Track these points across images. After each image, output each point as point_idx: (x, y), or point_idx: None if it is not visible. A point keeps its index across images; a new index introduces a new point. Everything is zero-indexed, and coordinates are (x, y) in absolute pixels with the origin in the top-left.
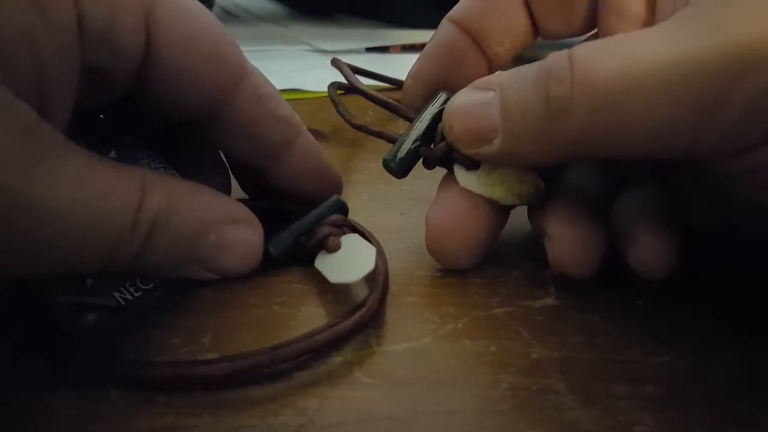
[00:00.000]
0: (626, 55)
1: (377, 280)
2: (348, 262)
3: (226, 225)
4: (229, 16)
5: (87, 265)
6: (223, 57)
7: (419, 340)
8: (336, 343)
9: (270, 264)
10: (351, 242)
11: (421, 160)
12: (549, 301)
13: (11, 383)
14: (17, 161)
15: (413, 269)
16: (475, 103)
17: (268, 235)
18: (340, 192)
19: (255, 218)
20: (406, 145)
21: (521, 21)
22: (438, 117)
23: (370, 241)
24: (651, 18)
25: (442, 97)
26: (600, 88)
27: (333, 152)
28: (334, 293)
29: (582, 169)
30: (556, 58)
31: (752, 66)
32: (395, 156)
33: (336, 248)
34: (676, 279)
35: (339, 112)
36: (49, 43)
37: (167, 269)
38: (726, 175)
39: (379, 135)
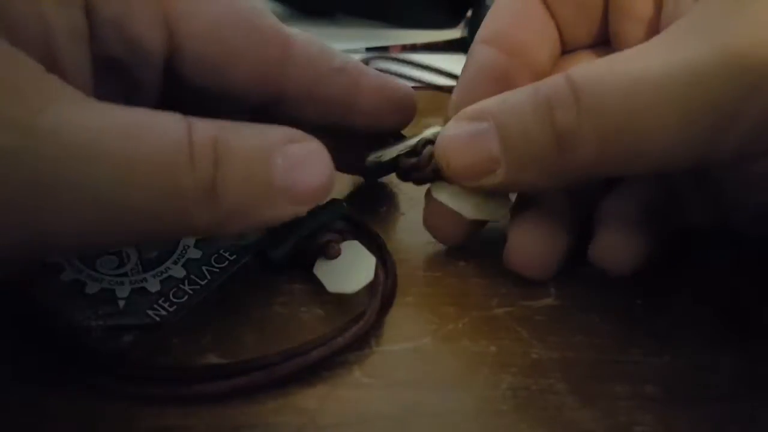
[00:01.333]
0: (632, 76)
1: (376, 290)
2: (347, 271)
3: (289, 145)
4: None
5: (160, 218)
6: (261, 31)
7: (419, 340)
8: (331, 357)
9: (270, 268)
10: (351, 250)
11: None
12: (549, 301)
13: (11, 384)
14: (29, 97)
15: (413, 269)
16: (470, 134)
17: (269, 240)
18: (413, 109)
19: (310, 135)
20: (391, 153)
21: (552, 31)
22: (429, 138)
23: (381, 248)
24: (658, 18)
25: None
26: (609, 113)
27: None
28: (334, 294)
29: None
30: (554, 83)
31: (762, 77)
32: (378, 159)
33: (336, 255)
34: (676, 279)
35: None
36: (58, 18)
37: (256, 213)
38: (734, 180)
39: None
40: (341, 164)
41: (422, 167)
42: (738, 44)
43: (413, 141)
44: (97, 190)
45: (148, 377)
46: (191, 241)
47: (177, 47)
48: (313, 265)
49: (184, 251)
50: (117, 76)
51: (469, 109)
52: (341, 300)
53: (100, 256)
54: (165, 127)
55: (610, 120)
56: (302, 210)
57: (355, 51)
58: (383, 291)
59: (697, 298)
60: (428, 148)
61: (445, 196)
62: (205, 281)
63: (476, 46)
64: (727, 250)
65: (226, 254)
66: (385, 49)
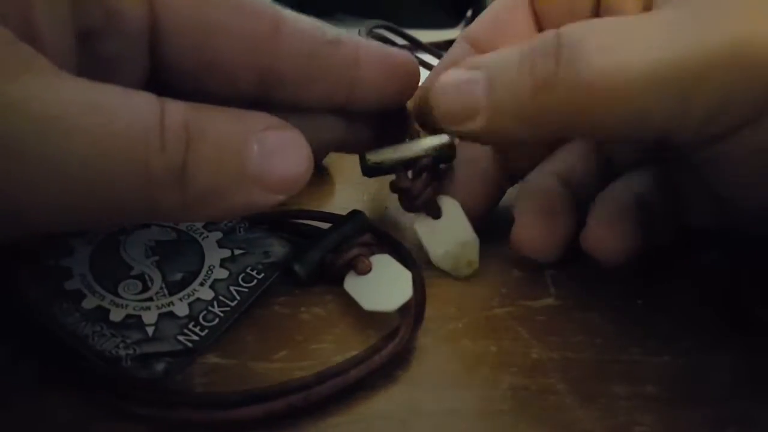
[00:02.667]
0: (613, 37)
1: (409, 305)
2: (381, 287)
3: (266, 131)
4: None
5: (123, 199)
6: (248, 5)
7: (419, 340)
8: (369, 377)
9: (298, 284)
10: (383, 264)
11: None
12: (549, 301)
13: (11, 385)
14: None
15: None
16: (461, 80)
17: (294, 255)
18: (417, 76)
19: (289, 124)
20: (389, 159)
21: (531, 35)
22: (431, 154)
23: (408, 261)
24: None
25: (444, 136)
26: (586, 69)
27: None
28: (335, 294)
29: (575, 159)
30: (545, 35)
31: (727, 62)
32: (377, 163)
33: (366, 270)
34: (677, 279)
35: None
36: None
37: (226, 201)
38: (716, 176)
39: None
40: (351, 146)
41: (414, 195)
42: (706, 30)
43: (413, 150)
44: (65, 165)
45: (184, 403)
46: (217, 261)
47: (159, 22)
48: (341, 279)
49: (210, 272)
50: (99, 52)
51: (470, 58)
52: (342, 301)
53: (123, 281)
54: (137, 107)
55: (585, 75)
56: (276, 200)
57: None
58: (416, 305)
59: (697, 298)
60: (422, 178)
61: (423, 230)
62: (235, 302)
63: (458, 40)
64: (727, 250)
65: (254, 272)
66: None
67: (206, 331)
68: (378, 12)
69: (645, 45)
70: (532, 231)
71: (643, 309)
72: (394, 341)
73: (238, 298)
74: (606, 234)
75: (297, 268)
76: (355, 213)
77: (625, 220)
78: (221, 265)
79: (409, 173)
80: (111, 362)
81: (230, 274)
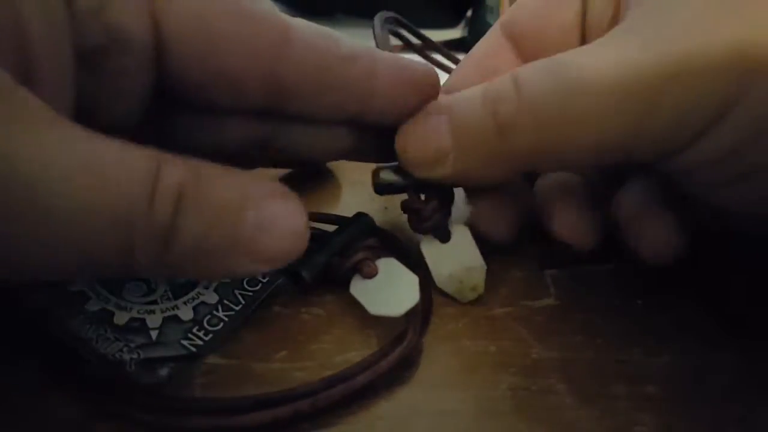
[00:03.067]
0: (568, 71)
1: (416, 309)
2: (387, 291)
3: (266, 199)
4: None
5: (101, 256)
6: (254, 16)
7: (419, 340)
8: (376, 382)
9: (302, 288)
10: (389, 268)
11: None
12: (549, 301)
13: (11, 384)
14: None
15: (412, 269)
16: (426, 126)
17: (299, 259)
18: (436, 86)
19: (294, 194)
20: (402, 177)
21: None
22: (436, 189)
23: (412, 267)
24: None
25: None
26: (545, 106)
27: None
28: (335, 294)
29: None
30: (501, 79)
31: (680, 75)
32: (388, 182)
33: (372, 274)
34: (676, 279)
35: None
36: (34, 16)
37: (209, 265)
38: (673, 176)
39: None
40: (360, 156)
41: (423, 218)
42: (657, 46)
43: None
44: (49, 222)
45: (188, 409)
46: None
47: (162, 33)
48: (347, 282)
49: None
50: (103, 68)
51: (434, 103)
52: (342, 301)
53: (127, 283)
54: (132, 168)
55: (545, 111)
56: (261, 269)
57: None
58: (423, 309)
59: (697, 298)
60: (433, 203)
61: (429, 251)
62: (240, 306)
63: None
64: (728, 250)
65: (258, 276)
66: None
67: (210, 335)
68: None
69: (597, 75)
70: (578, 222)
71: (643, 309)
72: (402, 345)
73: (242, 302)
74: (668, 237)
75: (304, 273)
76: (360, 215)
77: (677, 221)
78: None
79: (422, 195)
80: (114, 366)
81: (235, 278)
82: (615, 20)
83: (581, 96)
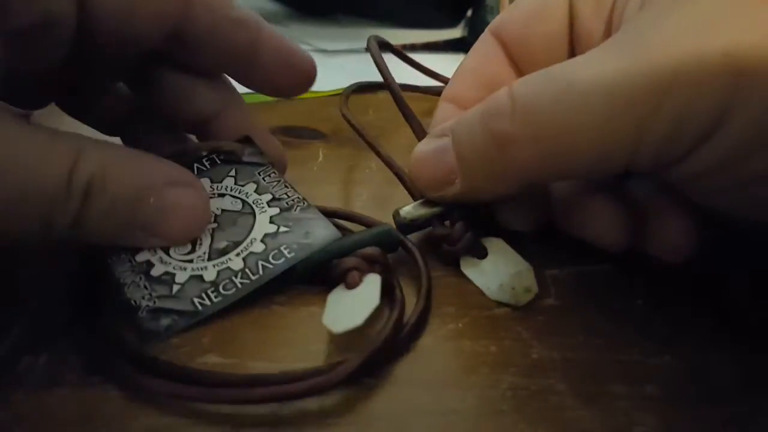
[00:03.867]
0: (563, 83)
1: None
2: (346, 306)
3: (167, 187)
4: None
5: (24, 232)
6: None
7: (419, 340)
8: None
9: (291, 278)
10: (369, 285)
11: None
12: (549, 301)
13: (11, 383)
14: None
15: (412, 269)
16: (433, 149)
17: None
18: (312, 75)
19: (198, 182)
20: (422, 215)
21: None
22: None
23: (396, 287)
24: None
25: None
26: (541, 118)
27: (333, 152)
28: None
29: None
30: (497, 94)
31: (676, 84)
32: (409, 220)
33: (354, 285)
34: (676, 279)
35: (377, 65)
36: None
37: (110, 237)
38: (673, 183)
39: (374, 150)
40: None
41: (454, 241)
42: (657, 54)
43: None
44: None
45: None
46: (260, 235)
47: (86, 10)
48: (333, 287)
49: (250, 244)
50: (27, 47)
51: (439, 127)
52: None
53: None
54: (56, 161)
55: (542, 123)
56: (167, 245)
57: (356, 51)
58: (423, 309)
59: (697, 298)
60: (460, 224)
61: (473, 272)
62: (256, 276)
63: (439, 105)
64: (727, 250)
65: (286, 251)
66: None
67: (219, 298)
68: (378, 13)
69: (591, 86)
70: (613, 222)
71: (643, 309)
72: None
73: (260, 273)
74: (689, 231)
75: (297, 264)
76: (385, 227)
77: (695, 214)
78: (261, 240)
79: (446, 222)
80: (130, 311)
81: (264, 249)
82: (608, 32)
83: (576, 106)
